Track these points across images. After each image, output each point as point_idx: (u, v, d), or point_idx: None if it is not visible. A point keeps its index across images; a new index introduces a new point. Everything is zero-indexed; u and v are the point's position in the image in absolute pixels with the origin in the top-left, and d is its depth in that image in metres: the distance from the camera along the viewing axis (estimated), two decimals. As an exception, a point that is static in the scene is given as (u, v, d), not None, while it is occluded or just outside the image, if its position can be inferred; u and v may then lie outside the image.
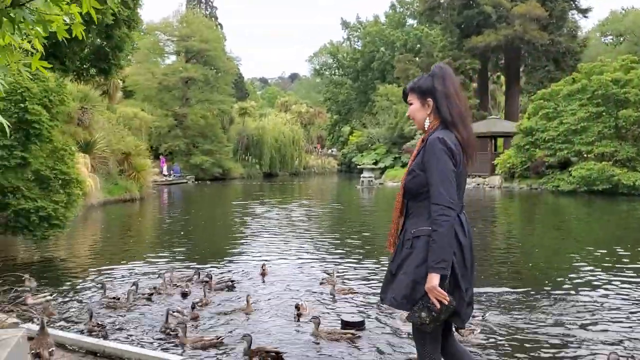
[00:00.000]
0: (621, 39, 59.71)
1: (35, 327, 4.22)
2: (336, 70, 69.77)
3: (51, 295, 6.49)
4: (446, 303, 2.55)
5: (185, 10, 53.49)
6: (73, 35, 2.39)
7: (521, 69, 41.13)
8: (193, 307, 5.85)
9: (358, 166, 41.84)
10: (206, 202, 24.84)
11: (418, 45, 54.85)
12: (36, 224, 9.14)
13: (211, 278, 7.13)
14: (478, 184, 30.25)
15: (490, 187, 29.54)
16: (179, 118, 41.01)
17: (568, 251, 10.44)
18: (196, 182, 37.98)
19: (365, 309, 6.17)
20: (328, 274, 7.51)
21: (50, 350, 3.85)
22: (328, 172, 59.41)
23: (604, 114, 25.13)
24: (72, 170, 10.00)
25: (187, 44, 42.12)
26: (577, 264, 8.87)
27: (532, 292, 6.88)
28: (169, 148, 40.21)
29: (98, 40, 9.96)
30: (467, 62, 38.42)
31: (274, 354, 4.39)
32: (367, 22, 67.31)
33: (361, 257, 9.55)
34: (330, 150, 71.08)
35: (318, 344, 4.98)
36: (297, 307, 5.88)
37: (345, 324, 5.41)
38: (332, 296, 6.65)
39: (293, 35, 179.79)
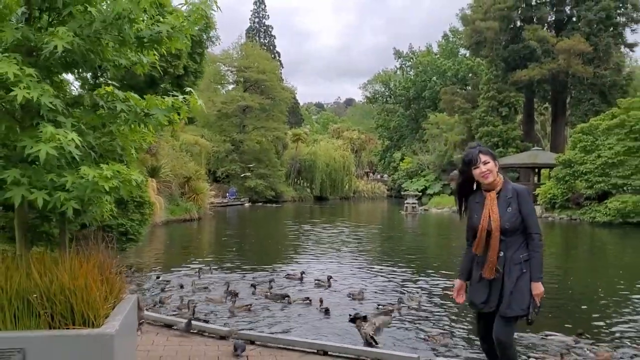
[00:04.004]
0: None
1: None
2: (388, 98, 71.58)
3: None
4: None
5: (245, 39, 56.90)
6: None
7: (567, 102, 41.78)
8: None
9: (403, 192, 43.24)
10: (260, 222, 26.99)
11: (470, 74, 56.06)
12: (117, 238, 11.37)
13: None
14: (519, 213, 31.09)
15: (531, 216, 30.34)
16: (235, 144, 43.79)
17: (601, 275, 11.79)
18: (250, 204, 40.41)
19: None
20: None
21: (142, 314, 5.86)
22: (378, 197, 60.90)
23: (641, 149, 25.82)
24: (145, 194, 12.23)
25: (246, 74, 45.10)
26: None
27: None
28: (225, 171, 42.99)
29: (170, 87, 12.21)
30: (511, 95, 39.56)
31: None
32: (420, 51, 69.01)
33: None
34: (380, 176, 72.57)
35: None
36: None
37: (352, 319, 7.17)
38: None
39: (350, 62, 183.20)
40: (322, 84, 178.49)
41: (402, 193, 43.44)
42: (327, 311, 7.80)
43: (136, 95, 4.16)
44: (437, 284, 10.25)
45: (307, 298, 8.37)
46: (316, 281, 9.88)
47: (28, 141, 3.37)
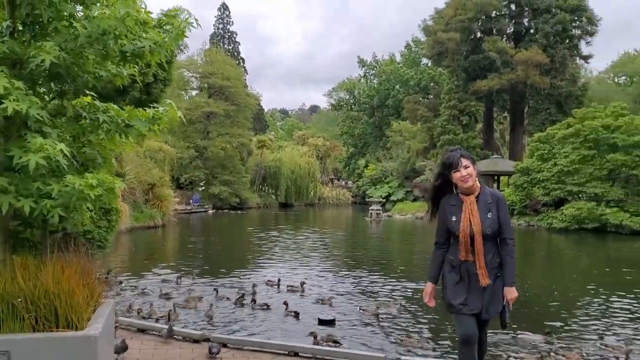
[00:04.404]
0: (632, 80, 61.06)
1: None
2: (352, 106, 72.28)
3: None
4: None
5: (209, 45, 56.73)
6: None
7: (525, 111, 43.13)
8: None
9: (367, 199, 43.83)
10: (224, 229, 26.99)
11: (432, 84, 57.14)
12: (84, 245, 11.33)
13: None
14: (480, 220, 31.92)
15: (491, 222, 31.19)
16: (199, 150, 43.58)
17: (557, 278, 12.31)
18: (214, 211, 40.25)
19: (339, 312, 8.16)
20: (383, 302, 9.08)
21: (116, 318, 5.97)
22: (342, 204, 61.39)
23: (595, 157, 26.89)
24: (112, 201, 12.22)
25: (210, 80, 45.00)
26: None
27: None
28: (189, 178, 42.72)
29: (139, 94, 12.27)
30: (471, 105, 40.69)
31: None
32: (383, 60, 69.99)
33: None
34: (345, 182, 73.14)
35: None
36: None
37: (321, 321, 7.42)
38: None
39: (314, 69, 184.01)
40: (287, 90, 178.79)
41: (367, 199, 44.03)
42: (296, 315, 8.03)
43: (116, 106, 4.33)
44: (405, 288, 10.61)
45: (266, 304, 8.61)
46: (289, 287, 10.11)
47: (16, 151, 3.51)
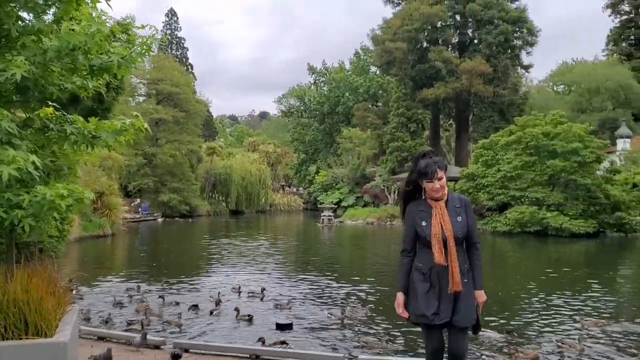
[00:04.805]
0: (570, 89, 63.81)
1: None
2: (303, 113, 72.64)
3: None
4: None
5: (157, 51, 55.98)
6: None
7: (470, 119, 44.62)
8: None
9: (319, 205, 44.21)
10: (174, 237, 26.73)
11: (380, 91, 58.19)
12: (35, 256, 11.14)
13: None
14: (428, 224, 32.79)
15: (439, 227, 32.08)
16: (148, 157, 42.91)
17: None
18: (164, 219, 39.71)
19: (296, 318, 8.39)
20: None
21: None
22: (294, 211, 61.58)
23: (536, 163, 28.11)
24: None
25: (158, 86, 44.42)
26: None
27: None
28: (137, 186, 41.99)
29: (92, 103, 12.18)
30: (419, 112, 41.84)
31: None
32: (333, 68, 70.72)
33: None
34: (296, 189, 73.38)
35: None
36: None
37: (278, 326, 7.63)
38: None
39: (264, 75, 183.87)
40: (236, 96, 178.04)
41: (319, 206, 44.38)
42: (250, 319, 8.24)
43: (81, 118, 4.44)
44: (363, 291, 10.94)
45: (212, 312, 8.77)
46: (250, 293, 10.31)
47: (-12, 163, 3.59)
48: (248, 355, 5.85)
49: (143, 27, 4.29)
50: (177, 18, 71.05)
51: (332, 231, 30.73)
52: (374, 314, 8.80)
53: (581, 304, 9.96)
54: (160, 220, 39.19)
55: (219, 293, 9.85)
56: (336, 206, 45.26)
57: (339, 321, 8.22)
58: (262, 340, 6.70)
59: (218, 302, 9.19)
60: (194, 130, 47.30)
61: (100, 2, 4.30)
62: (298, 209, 62.65)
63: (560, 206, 26.96)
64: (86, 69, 4.26)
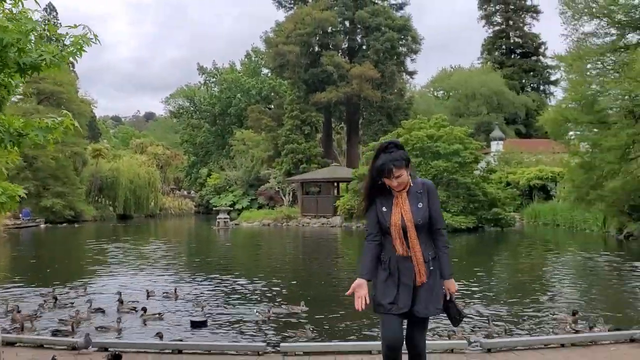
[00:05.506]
0: (449, 94, 68.10)
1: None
2: (193, 114, 71.28)
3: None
4: None
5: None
6: None
7: (360, 122, 46.46)
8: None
9: (214, 208, 43.78)
10: (62, 243, 25.40)
11: (272, 93, 58.66)
12: None
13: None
14: (322, 224, 33.77)
15: (332, 226, 33.17)
16: (29, 160, 40.16)
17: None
18: (47, 225, 37.44)
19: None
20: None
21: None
22: (185, 214, 60.28)
23: (422, 163, 29.90)
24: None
25: (40, 85, 41.78)
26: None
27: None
28: (16, 190, 39.17)
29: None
30: (312, 115, 42.90)
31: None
32: (224, 68, 70.06)
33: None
34: (187, 192, 71.81)
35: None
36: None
37: (193, 323, 7.77)
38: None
39: (150, 75, 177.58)
40: (120, 97, 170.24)
41: (214, 208, 43.93)
42: (160, 316, 8.37)
43: (3, 116, 4.39)
44: (270, 287, 11.25)
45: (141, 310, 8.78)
46: (164, 293, 10.32)
47: None
48: (171, 351, 5.96)
49: (75, 26, 4.33)
50: (57, 14, 66.87)
51: (228, 234, 30.66)
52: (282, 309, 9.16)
53: (475, 289, 10.96)
54: (43, 226, 36.90)
55: (121, 293, 9.69)
56: (231, 209, 45.08)
57: (266, 318, 8.39)
58: (159, 335, 6.85)
59: (121, 301, 9.16)
60: (79, 132, 44.94)
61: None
62: (190, 213, 61.35)
63: (443, 204, 28.79)
64: (15, 67, 4.23)
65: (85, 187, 46.30)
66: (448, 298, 3.61)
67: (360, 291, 3.42)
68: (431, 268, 3.49)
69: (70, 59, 4.36)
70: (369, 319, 7.80)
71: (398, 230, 3.46)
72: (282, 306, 9.09)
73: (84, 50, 4.37)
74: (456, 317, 3.68)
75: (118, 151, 64.44)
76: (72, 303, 9.58)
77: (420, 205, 3.51)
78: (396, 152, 3.52)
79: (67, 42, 4.31)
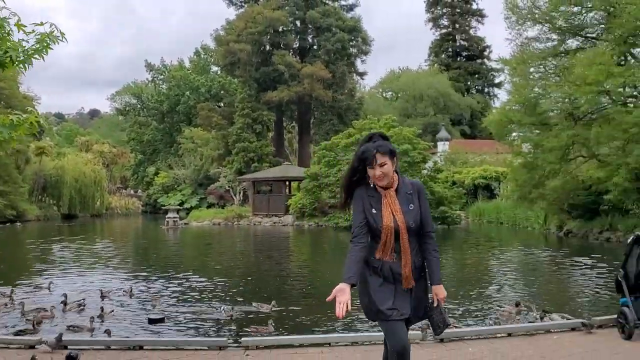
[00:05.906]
0: (397, 95, 69.32)
1: None
2: (140, 111, 69.78)
3: None
4: None
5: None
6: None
7: (311, 122, 46.80)
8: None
9: (163, 207, 43.12)
10: (5, 243, 24.54)
11: (222, 91, 58.10)
12: None
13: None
14: (274, 222, 33.86)
15: (284, 224, 33.31)
16: (-34, 158, 38.57)
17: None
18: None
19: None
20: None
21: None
22: (132, 214, 59.00)
23: (372, 163, 30.41)
24: None
25: (-22, 80, 40.09)
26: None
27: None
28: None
29: None
30: (264, 114, 42.88)
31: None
32: (172, 65, 68.82)
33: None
34: (134, 191, 70.25)
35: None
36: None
37: (151, 320, 7.80)
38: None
39: (94, 71, 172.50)
40: (62, 93, 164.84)
41: (163, 208, 43.25)
42: (111, 312, 8.52)
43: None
44: (224, 284, 11.31)
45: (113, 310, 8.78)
46: (123, 291, 10.34)
47: None
48: (132, 347, 6.00)
49: (42, 24, 4.35)
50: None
51: (177, 233, 30.33)
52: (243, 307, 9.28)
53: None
54: (-19, 226, 35.42)
55: (65, 295, 9.49)
56: (180, 207, 44.49)
57: (228, 317, 8.39)
58: (108, 332, 6.90)
59: (65, 303, 9.02)
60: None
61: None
62: (137, 212, 60.04)
63: (393, 202, 29.44)
64: (-20, 64, 4.22)
65: (28, 186, 44.71)
66: (435, 305, 3.47)
67: (342, 297, 3.05)
68: (422, 273, 3.41)
69: (36, 56, 4.38)
70: (327, 314, 8.01)
71: (390, 233, 3.27)
72: (253, 304, 9.10)
73: (50, 48, 4.40)
74: (439, 324, 3.50)
75: (62, 149, 62.44)
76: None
77: (411, 207, 3.34)
78: (381, 141, 3.35)
79: (32, 40, 4.32)
